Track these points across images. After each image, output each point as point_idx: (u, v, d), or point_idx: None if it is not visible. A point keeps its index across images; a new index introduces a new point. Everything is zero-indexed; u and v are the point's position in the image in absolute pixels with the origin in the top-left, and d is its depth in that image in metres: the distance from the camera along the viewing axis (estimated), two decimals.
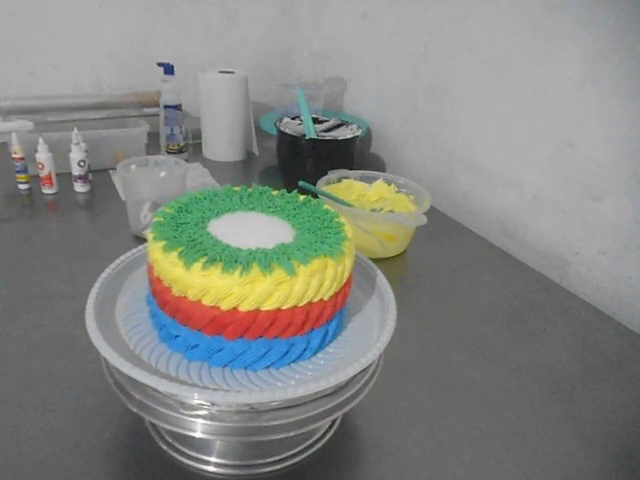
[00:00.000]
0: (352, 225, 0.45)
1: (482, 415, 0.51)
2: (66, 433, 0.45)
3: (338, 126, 1.00)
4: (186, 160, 1.09)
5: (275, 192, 0.49)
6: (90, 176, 0.92)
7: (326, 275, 0.38)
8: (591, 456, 0.48)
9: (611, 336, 0.65)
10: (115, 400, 0.39)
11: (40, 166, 0.88)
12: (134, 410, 0.37)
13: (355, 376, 0.39)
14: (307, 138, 0.93)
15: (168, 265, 0.38)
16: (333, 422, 0.48)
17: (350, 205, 0.77)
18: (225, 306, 0.37)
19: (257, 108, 1.25)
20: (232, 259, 0.37)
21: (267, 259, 0.37)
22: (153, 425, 0.45)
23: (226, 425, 0.37)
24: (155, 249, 0.39)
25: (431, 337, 0.62)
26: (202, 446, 0.44)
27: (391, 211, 0.81)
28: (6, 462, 0.42)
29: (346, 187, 0.83)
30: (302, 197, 0.48)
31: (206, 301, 0.37)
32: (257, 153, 1.13)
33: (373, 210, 0.82)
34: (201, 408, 0.37)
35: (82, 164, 0.90)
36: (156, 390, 0.36)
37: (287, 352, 0.40)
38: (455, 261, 0.79)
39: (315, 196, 0.51)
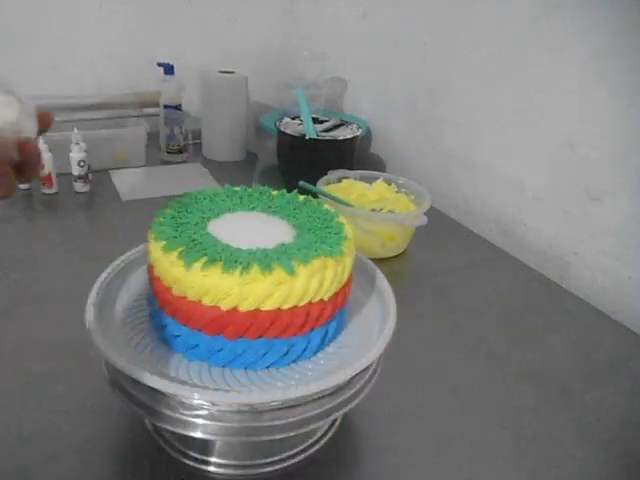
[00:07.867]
0: (352, 225, 0.45)
1: (482, 415, 0.51)
2: (66, 433, 0.45)
3: (338, 126, 1.00)
4: (186, 160, 1.10)
5: (275, 192, 0.49)
6: (90, 176, 0.92)
7: (326, 275, 0.38)
8: (591, 456, 0.48)
9: (611, 336, 0.65)
10: (115, 400, 0.39)
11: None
12: (134, 410, 0.38)
13: (355, 376, 0.39)
14: (307, 138, 0.93)
15: (168, 265, 0.38)
16: (333, 422, 0.48)
17: (350, 205, 0.77)
18: (225, 306, 0.37)
19: (257, 108, 1.25)
20: (232, 259, 0.37)
21: (267, 259, 0.37)
22: (153, 425, 0.45)
23: (226, 425, 0.37)
24: (155, 249, 0.39)
25: (431, 337, 0.62)
26: (202, 446, 0.44)
27: (391, 211, 0.81)
28: (6, 462, 0.42)
29: (346, 187, 0.83)
30: (302, 197, 0.48)
31: (206, 301, 0.37)
32: (257, 153, 1.13)
33: (373, 210, 0.82)
34: (201, 408, 0.37)
35: (82, 164, 0.90)
36: (156, 390, 0.36)
37: (287, 352, 0.40)
38: (455, 261, 0.79)
39: (315, 196, 0.51)
